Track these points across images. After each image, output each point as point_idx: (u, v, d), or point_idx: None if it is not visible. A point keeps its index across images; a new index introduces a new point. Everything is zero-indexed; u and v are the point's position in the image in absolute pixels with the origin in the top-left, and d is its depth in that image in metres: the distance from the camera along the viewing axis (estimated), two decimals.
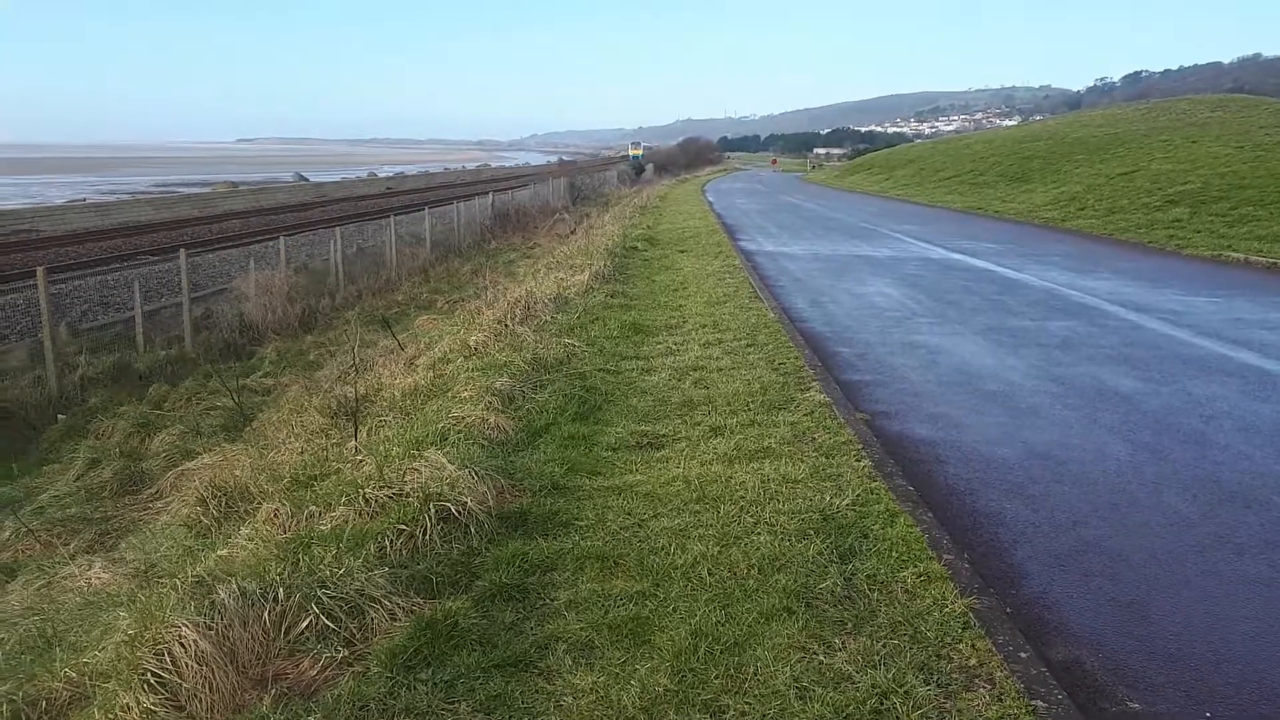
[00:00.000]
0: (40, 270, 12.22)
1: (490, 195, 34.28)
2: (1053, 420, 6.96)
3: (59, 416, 11.22)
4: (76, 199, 48.65)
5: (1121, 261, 17.06)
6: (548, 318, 10.42)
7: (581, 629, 3.72)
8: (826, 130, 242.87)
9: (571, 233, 25.39)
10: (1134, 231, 21.13)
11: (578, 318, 10.56)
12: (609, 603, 3.92)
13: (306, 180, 68.94)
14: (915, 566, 4.19)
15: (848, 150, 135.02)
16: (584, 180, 53.14)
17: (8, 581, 6.41)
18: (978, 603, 3.87)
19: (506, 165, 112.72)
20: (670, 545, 4.45)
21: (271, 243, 17.63)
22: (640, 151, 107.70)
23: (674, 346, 9.07)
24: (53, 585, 6.07)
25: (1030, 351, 9.24)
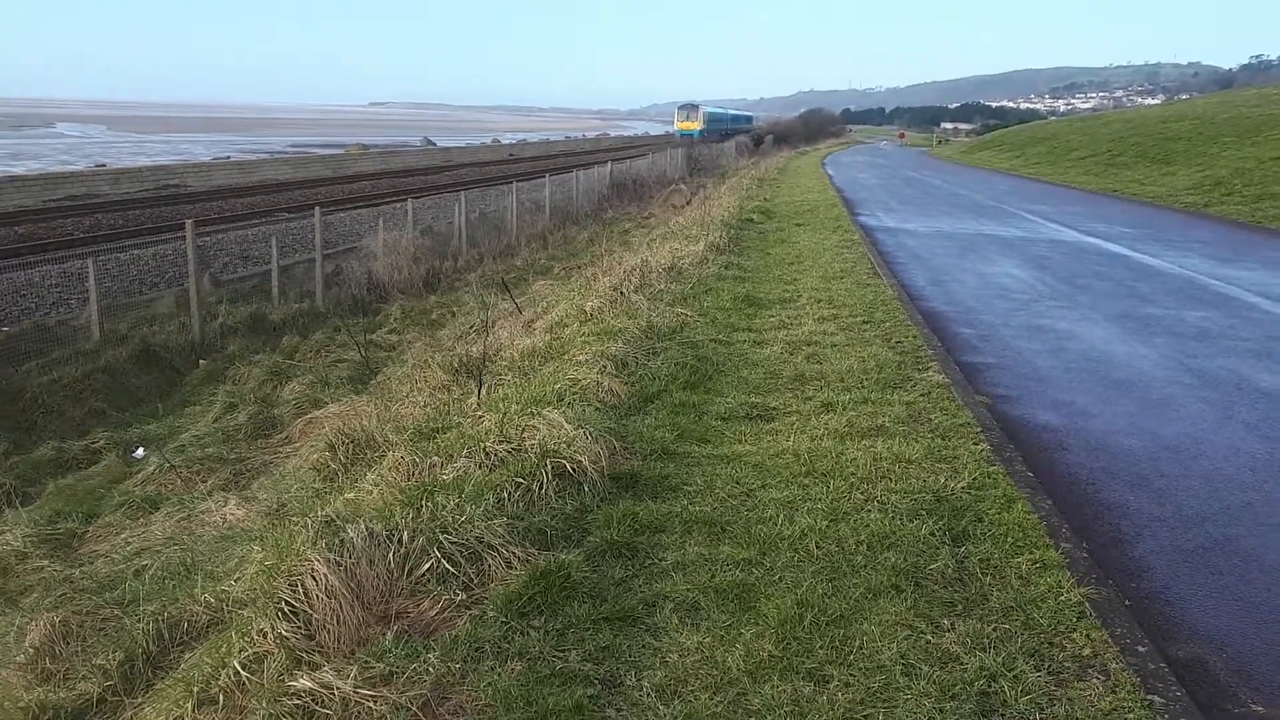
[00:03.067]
0: (189, 224, 13.00)
1: (609, 164, 34.51)
2: (1185, 413, 6.64)
3: (200, 361, 11.96)
4: (220, 157, 51.28)
5: (1269, 251, 15.96)
6: (662, 287, 10.48)
7: (688, 590, 3.80)
8: (955, 105, 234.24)
9: (687, 203, 25.35)
10: None
11: (691, 288, 10.59)
12: (715, 567, 3.99)
13: (434, 145, 70.74)
14: (1031, 553, 4.10)
15: (976, 126, 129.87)
16: (701, 151, 52.85)
17: (151, 512, 6.92)
18: (1095, 593, 3.77)
19: (625, 135, 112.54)
20: (778, 516, 4.48)
21: (399, 204, 18.21)
22: (696, 125, 79.42)
23: (787, 320, 9.01)
24: (191, 519, 6.53)
25: (1164, 341, 8.80)
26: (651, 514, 4.51)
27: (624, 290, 9.96)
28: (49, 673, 4.11)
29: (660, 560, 4.07)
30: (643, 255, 12.40)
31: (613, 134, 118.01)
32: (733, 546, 4.18)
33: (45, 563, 5.84)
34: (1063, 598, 3.73)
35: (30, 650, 4.19)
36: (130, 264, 14.89)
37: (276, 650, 3.40)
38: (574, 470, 4.84)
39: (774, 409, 6.24)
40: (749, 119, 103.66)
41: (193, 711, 3.25)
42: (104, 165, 42.03)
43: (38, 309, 12.67)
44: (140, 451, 8.47)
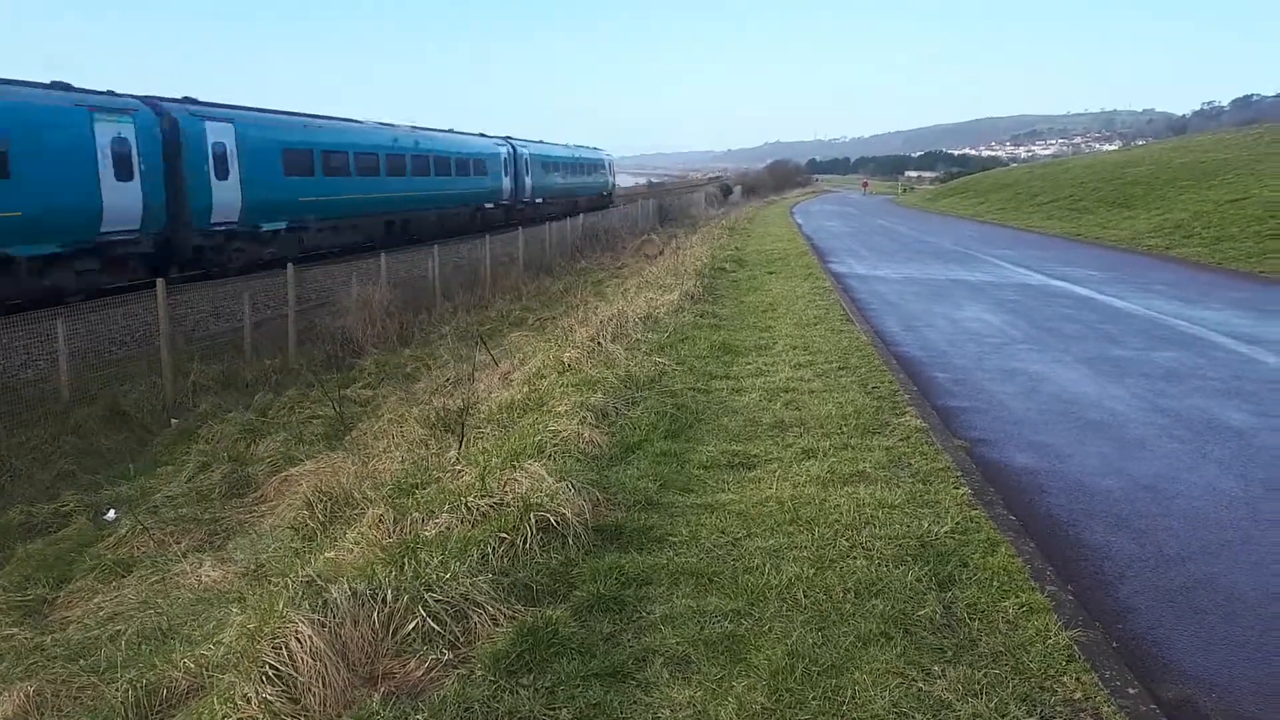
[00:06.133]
0: (160, 283, 12.90)
1: (580, 216, 34.78)
2: (1159, 453, 6.73)
3: (172, 420, 11.79)
4: None
5: (1231, 291, 16.34)
6: (638, 336, 10.53)
7: (678, 643, 3.77)
8: (918, 153, 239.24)
9: (660, 253, 25.57)
10: (1244, 261, 20.20)
11: (668, 337, 10.65)
12: (704, 619, 3.96)
13: None
14: (1017, 597, 4.11)
15: (940, 173, 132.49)
16: (671, 201, 53.43)
17: (125, 576, 6.77)
18: (1083, 635, 3.78)
19: None
20: (765, 565, 4.46)
21: (373, 260, 18.22)
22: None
23: (764, 367, 9.07)
24: (166, 581, 6.40)
25: (1135, 381, 8.94)
26: (637, 566, 4.48)
27: (601, 340, 9.99)
28: None
29: (648, 613, 4.04)
30: (619, 305, 12.47)
31: None
32: (720, 597, 4.16)
33: (15, 630, 5.68)
34: (1051, 641, 3.74)
35: None
36: (100, 323, 14.74)
37: (261, 716, 3.32)
38: (557, 523, 4.81)
39: (755, 456, 6.25)
40: (598, 164, 55.97)
41: None
42: None
43: (4, 370, 12.47)
44: (112, 514, 8.30)
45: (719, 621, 3.94)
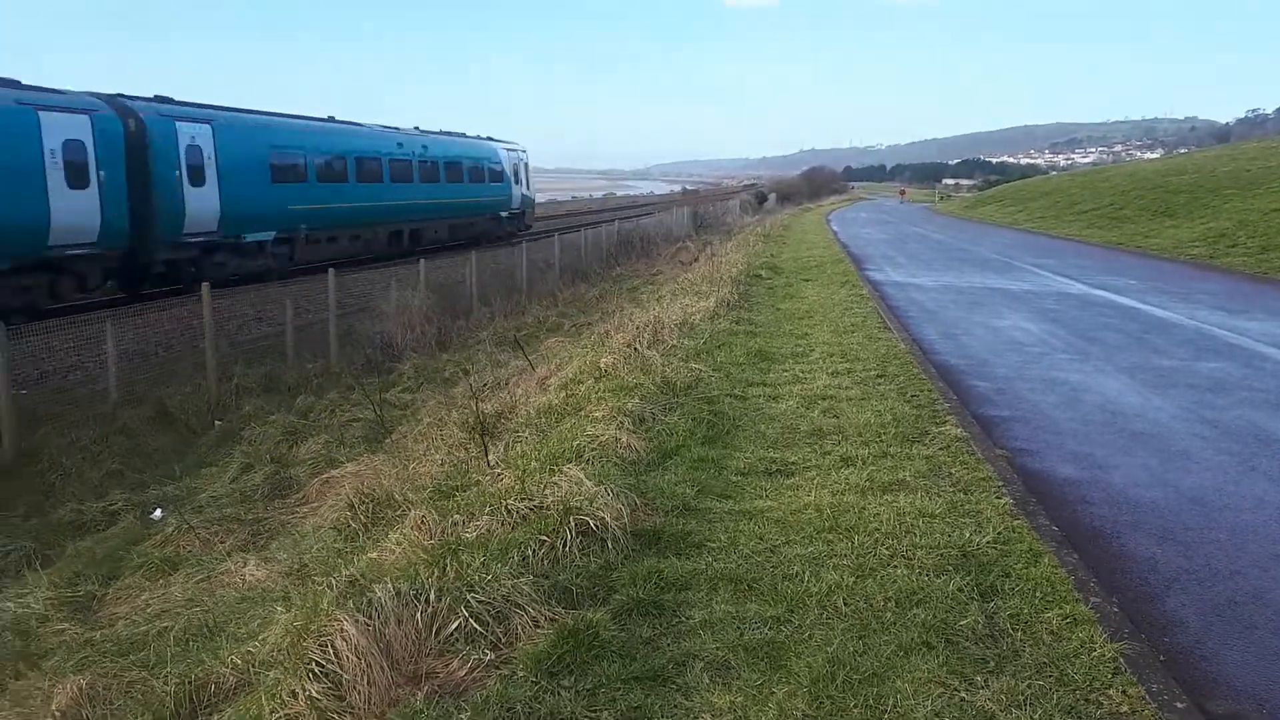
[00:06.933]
0: (205, 287, 13.15)
1: (615, 223, 34.89)
2: (1205, 464, 6.62)
3: (216, 422, 12.00)
4: None
5: (1277, 301, 16.01)
6: (674, 342, 10.55)
7: (717, 649, 3.77)
8: (955, 161, 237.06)
9: (695, 260, 25.57)
10: None
11: (704, 343, 10.65)
12: (744, 625, 3.96)
13: None
14: (1061, 608, 4.07)
15: (978, 181, 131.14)
16: (707, 209, 53.40)
17: (171, 574, 6.90)
18: (1128, 648, 3.74)
19: (631, 194, 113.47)
20: (804, 573, 4.46)
21: (412, 266, 18.42)
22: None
23: (801, 374, 9.04)
24: (211, 579, 6.52)
25: (1179, 392, 8.79)
26: (676, 571, 4.49)
27: (637, 346, 10.02)
28: None
29: (688, 618, 4.05)
30: (655, 311, 12.49)
31: (619, 193, 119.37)
32: (760, 604, 4.16)
33: (66, 625, 5.82)
34: (1096, 653, 3.70)
35: (57, 714, 4.16)
36: (145, 326, 15.04)
37: (307, 712, 3.38)
38: (596, 527, 4.83)
39: (793, 464, 6.24)
40: (481, 162, 33.68)
41: None
42: None
43: (55, 372, 12.77)
44: (158, 513, 8.47)
45: (759, 628, 3.94)
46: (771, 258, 23.33)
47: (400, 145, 27.65)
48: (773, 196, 78.16)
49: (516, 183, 36.40)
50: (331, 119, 26.39)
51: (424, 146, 29.03)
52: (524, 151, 38.05)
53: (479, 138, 35.40)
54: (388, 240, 26.95)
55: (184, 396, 12.23)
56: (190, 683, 4.14)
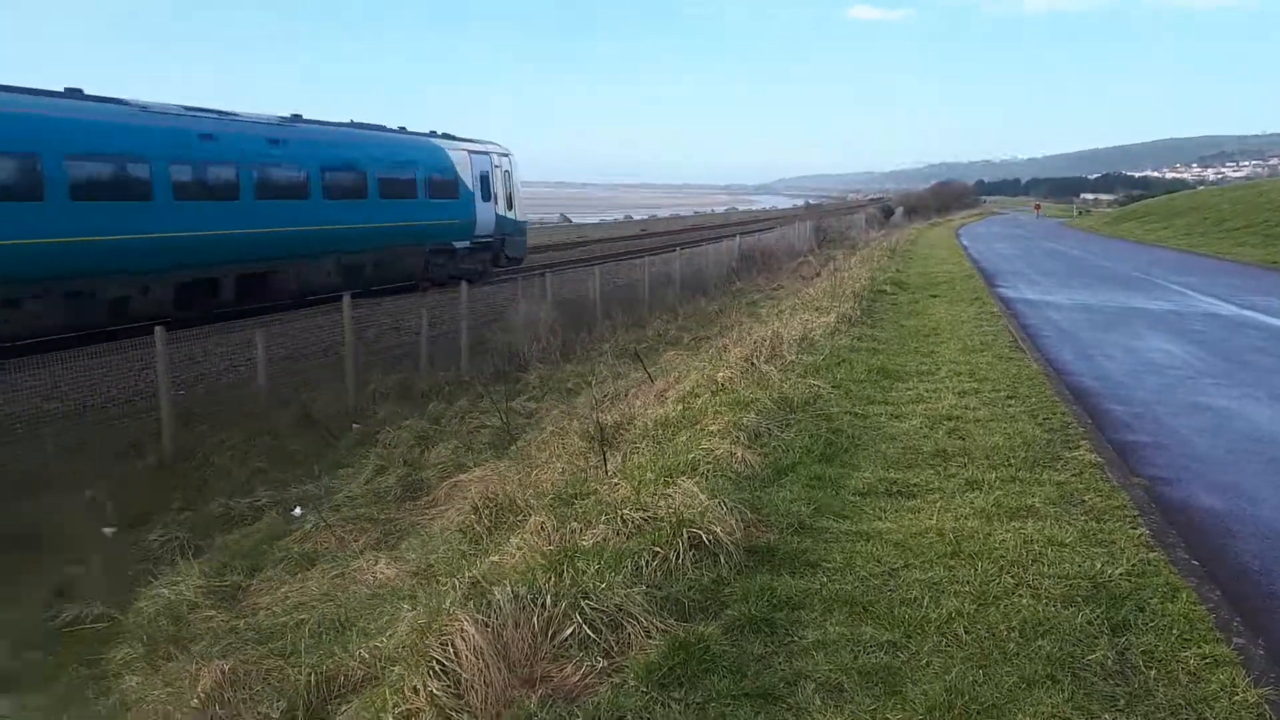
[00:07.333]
0: (346, 297, 13.88)
1: (736, 237, 34.83)
2: None
3: (353, 426, 12.61)
4: None
5: None
6: (793, 358, 10.46)
7: (830, 670, 3.73)
8: (1095, 175, 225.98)
9: (816, 275, 25.25)
10: None
11: (823, 359, 10.52)
12: (858, 648, 3.91)
13: (569, 221, 73.24)
14: (1200, 647, 3.85)
15: (1119, 196, 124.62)
16: (830, 223, 52.66)
17: (308, 568, 7.29)
18: (1275, 694, 3.50)
19: (753, 209, 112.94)
20: (923, 598, 4.36)
21: (539, 278, 18.94)
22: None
23: (925, 394, 8.82)
24: (345, 576, 6.85)
25: None
26: (790, 590, 4.47)
27: (755, 361, 9.99)
28: (217, 718, 4.37)
29: (800, 638, 4.02)
30: (774, 326, 12.42)
31: (741, 208, 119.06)
32: (876, 627, 4.09)
33: (213, 612, 6.24)
34: (1238, 698, 3.49)
35: (201, 695, 4.47)
36: (283, 335, 15.98)
37: (427, 708, 3.52)
38: (709, 541, 4.86)
39: (915, 485, 6.10)
40: (416, 164, 22.97)
41: None
42: None
43: (209, 374, 13.70)
44: (298, 510, 8.96)
45: (874, 652, 3.87)
46: (897, 273, 22.81)
47: (210, 139, 17.21)
48: (899, 210, 76.39)
49: (486, 199, 25.55)
50: (105, 99, 16.05)
51: (273, 142, 18.82)
52: (505, 155, 27.11)
53: (426, 134, 24.76)
54: (234, 287, 17.90)
55: (325, 401, 12.88)
56: (322, 673, 4.38)
